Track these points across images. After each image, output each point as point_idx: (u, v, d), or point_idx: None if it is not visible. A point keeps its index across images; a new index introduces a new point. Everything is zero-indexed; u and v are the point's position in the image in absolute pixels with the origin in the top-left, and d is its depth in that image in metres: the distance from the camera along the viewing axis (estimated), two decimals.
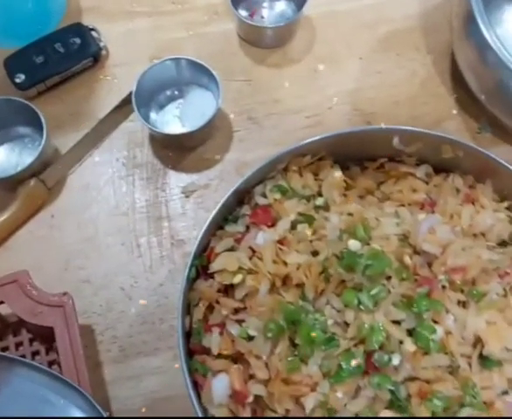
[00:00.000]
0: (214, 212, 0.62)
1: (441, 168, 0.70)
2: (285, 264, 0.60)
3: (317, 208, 0.67)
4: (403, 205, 0.67)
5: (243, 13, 0.85)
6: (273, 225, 0.64)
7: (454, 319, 0.56)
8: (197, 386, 0.58)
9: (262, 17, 0.86)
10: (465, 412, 0.54)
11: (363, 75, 0.83)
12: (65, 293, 0.63)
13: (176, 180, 0.77)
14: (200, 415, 0.54)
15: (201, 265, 0.62)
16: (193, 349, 0.60)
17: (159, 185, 0.76)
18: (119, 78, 0.82)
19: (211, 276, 0.62)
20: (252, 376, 0.57)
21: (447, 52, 0.84)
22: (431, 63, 0.84)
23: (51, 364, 0.65)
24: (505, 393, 0.57)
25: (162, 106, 0.80)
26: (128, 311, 0.70)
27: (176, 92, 0.80)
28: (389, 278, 0.58)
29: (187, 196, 0.76)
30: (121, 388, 0.67)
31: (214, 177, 0.77)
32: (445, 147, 0.66)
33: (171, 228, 0.74)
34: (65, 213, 0.75)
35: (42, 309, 0.62)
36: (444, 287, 0.57)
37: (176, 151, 0.78)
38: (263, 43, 0.84)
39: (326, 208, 0.67)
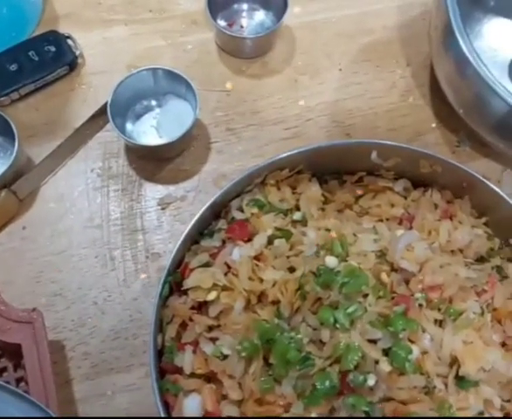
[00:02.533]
0: (189, 226, 0.61)
1: (419, 183, 0.69)
2: (261, 280, 0.59)
3: (295, 222, 0.66)
4: (381, 220, 0.67)
5: (222, 23, 0.84)
6: (249, 240, 0.63)
7: (431, 339, 0.55)
8: (168, 406, 0.56)
9: (241, 27, 0.84)
10: None
11: (342, 86, 0.83)
12: (34, 309, 0.61)
13: (152, 191, 0.75)
14: None
15: (175, 281, 0.61)
16: (165, 368, 0.58)
17: (134, 197, 0.75)
18: (95, 86, 0.81)
19: (185, 292, 0.60)
20: (225, 397, 0.56)
21: (427, 65, 0.84)
22: (410, 75, 0.84)
23: (18, 381, 0.63)
24: (481, 414, 0.56)
25: (138, 117, 0.78)
26: (100, 326, 0.68)
27: (153, 103, 0.79)
28: (366, 295, 0.57)
29: (163, 209, 0.74)
30: (92, 405, 0.65)
31: (191, 189, 0.76)
32: (422, 161, 0.66)
33: (146, 241, 0.73)
34: (38, 225, 0.73)
35: (10, 325, 0.61)
36: (421, 305, 0.57)
37: (153, 162, 0.77)
38: (242, 53, 0.83)
39: (304, 222, 0.66)
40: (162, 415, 0.54)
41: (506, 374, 0.58)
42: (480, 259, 0.67)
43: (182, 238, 0.60)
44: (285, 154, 0.64)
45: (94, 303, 0.70)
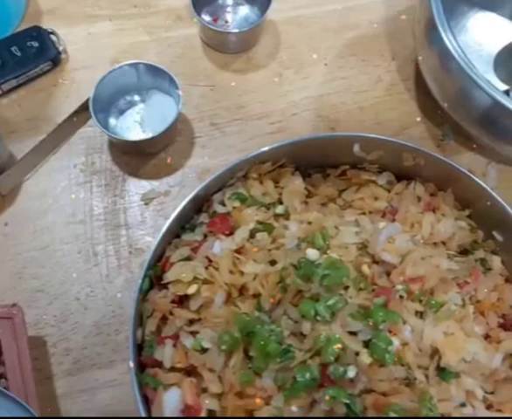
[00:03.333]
0: (170, 220, 0.61)
1: (403, 176, 0.69)
2: (241, 273, 0.59)
3: (277, 216, 0.66)
4: (364, 213, 0.66)
5: (206, 18, 0.83)
6: (231, 234, 0.63)
7: (411, 330, 0.55)
8: (148, 400, 0.56)
9: (226, 22, 0.84)
10: None
11: (327, 81, 0.83)
12: (14, 305, 0.61)
13: (136, 187, 0.75)
14: None
15: (155, 276, 0.60)
16: (145, 362, 0.58)
17: (118, 192, 0.74)
18: (78, 82, 0.80)
19: (166, 286, 0.60)
20: (205, 390, 0.56)
21: (412, 59, 0.84)
22: (395, 69, 0.84)
23: None
24: (463, 405, 0.56)
25: (122, 112, 0.78)
26: (82, 321, 0.68)
27: (137, 98, 0.78)
28: (346, 287, 0.56)
29: (146, 204, 0.74)
30: (74, 401, 0.65)
31: (175, 184, 0.75)
32: (405, 154, 0.66)
33: (129, 236, 0.72)
34: (20, 221, 0.73)
35: None
36: (401, 297, 0.56)
37: (136, 157, 0.76)
38: (227, 48, 0.83)
39: (286, 216, 0.66)
40: (141, 409, 0.53)
41: (488, 365, 0.58)
42: (464, 252, 0.67)
43: (162, 232, 0.60)
44: (267, 148, 0.64)
45: (77, 298, 0.69)
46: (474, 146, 0.79)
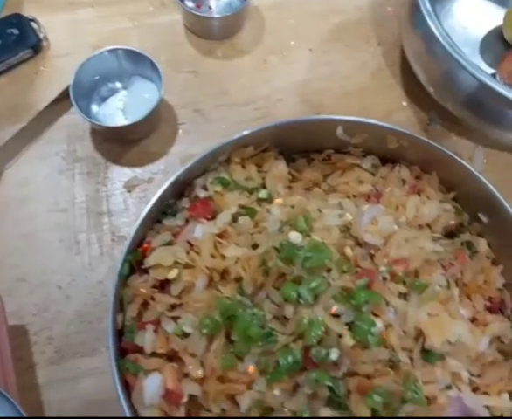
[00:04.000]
0: (150, 204, 0.60)
1: (388, 159, 0.68)
2: (223, 257, 0.58)
3: (260, 200, 0.65)
4: (348, 197, 0.66)
5: (189, 4, 0.82)
6: (213, 218, 0.62)
7: (395, 312, 0.54)
8: (128, 386, 0.55)
9: (209, 8, 0.83)
10: (406, 408, 0.52)
11: (313, 66, 0.82)
12: None
13: (118, 174, 0.74)
14: (129, 416, 0.52)
15: (136, 261, 0.59)
16: (125, 348, 0.57)
17: (100, 180, 0.74)
18: (60, 69, 0.79)
19: (147, 272, 0.59)
20: (186, 375, 0.55)
21: (397, 44, 0.83)
22: (381, 54, 0.83)
23: None
24: (448, 387, 0.55)
25: (104, 99, 0.77)
26: (65, 310, 0.67)
27: (119, 85, 0.77)
28: (329, 270, 0.55)
29: (129, 191, 0.73)
30: (56, 390, 0.63)
31: (158, 171, 0.74)
32: (389, 137, 0.65)
33: (112, 224, 0.71)
34: (1, 209, 0.71)
35: None
36: (385, 279, 0.55)
37: (119, 144, 0.75)
38: (210, 34, 0.82)
39: (270, 200, 0.65)
40: (121, 395, 0.52)
41: (474, 347, 0.57)
42: (450, 235, 0.66)
43: (142, 216, 0.59)
44: (248, 131, 0.63)
45: (59, 287, 0.68)
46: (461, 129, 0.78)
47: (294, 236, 0.57)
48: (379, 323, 0.53)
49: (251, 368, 0.53)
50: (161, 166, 0.75)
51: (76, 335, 0.66)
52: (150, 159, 0.75)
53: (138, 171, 0.74)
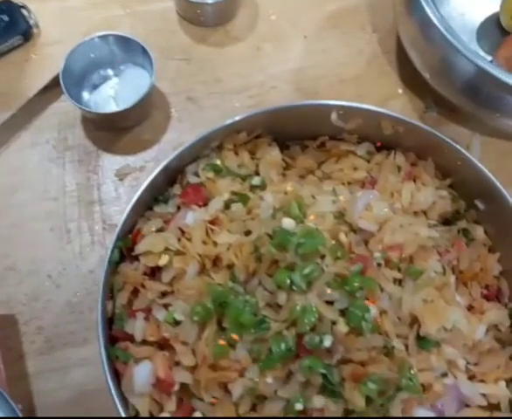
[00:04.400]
0: (141, 190, 0.59)
1: (383, 146, 0.67)
2: (215, 244, 0.57)
3: (253, 187, 0.64)
4: (343, 184, 0.65)
5: None
6: (205, 205, 0.61)
7: (389, 298, 0.53)
8: (118, 375, 0.54)
9: None
10: (401, 395, 0.52)
11: (307, 54, 0.81)
12: None
13: (110, 162, 0.73)
14: (119, 405, 0.51)
15: (126, 248, 0.58)
16: (116, 336, 0.56)
17: (91, 168, 0.72)
18: (51, 57, 0.78)
19: (137, 259, 0.58)
20: (178, 364, 0.54)
21: (393, 31, 0.82)
22: (377, 42, 0.82)
23: None
24: (444, 375, 0.54)
25: (95, 87, 0.76)
26: (55, 299, 0.66)
27: (111, 72, 0.76)
28: (323, 257, 0.54)
29: (121, 179, 0.72)
30: (46, 381, 0.62)
31: (150, 159, 0.73)
32: (384, 122, 0.64)
33: (103, 212, 0.70)
34: None
35: None
36: (379, 265, 0.54)
37: (111, 132, 0.74)
38: (203, 21, 0.80)
39: (263, 188, 0.64)
40: (110, 383, 0.51)
41: (470, 335, 0.56)
42: (446, 222, 0.65)
43: (133, 202, 0.58)
44: (241, 117, 0.62)
45: (49, 276, 0.67)
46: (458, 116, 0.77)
47: (288, 223, 0.56)
48: (373, 309, 0.52)
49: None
50: (153, 154, 0.74)
51: (66, 325, 0.65)
52: (142, 147, 0.74)
53: (130, 159, 0.73)
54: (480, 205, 0.63)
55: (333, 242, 0.56)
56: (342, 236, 0.56)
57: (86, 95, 0.75)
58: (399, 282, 0.55)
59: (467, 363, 0.57)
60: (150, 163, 0.73)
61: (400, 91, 0.79)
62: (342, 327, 0.51)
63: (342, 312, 0.52)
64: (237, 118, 0.62)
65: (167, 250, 0.57)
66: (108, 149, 0.74)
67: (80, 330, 0.65)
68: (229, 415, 0.52)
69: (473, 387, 0.54)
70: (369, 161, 0.67)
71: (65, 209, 0.70)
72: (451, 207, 0.64)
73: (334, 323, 0.51)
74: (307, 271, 0.53)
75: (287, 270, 0.53)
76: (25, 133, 0.74)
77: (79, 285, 0.67)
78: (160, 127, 0.75)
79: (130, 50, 0.74)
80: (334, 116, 0.64)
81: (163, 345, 0.55)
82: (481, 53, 0.79)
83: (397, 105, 0.78)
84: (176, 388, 0.53)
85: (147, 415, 0.53)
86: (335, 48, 0.81)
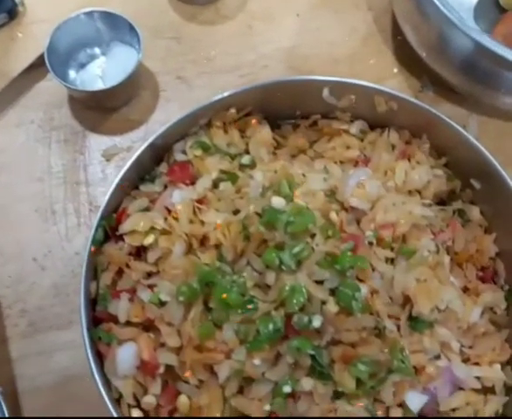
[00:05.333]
0: (125, 168, 0.57)
1: (377, 125, 0.65)
2: (202, 223, 0.55)
3: (243, 166, 0.62)
4: (335, 163, 0.63)
5: None
6: (192, 184, 0.59)
7: (381, 277, 0.51)
8: (102, 357, 0.53)
9: None
10: (393, 378, 0.50)
11: (300, 32, 0.79)
12: None
13: (97, 143, 0.71)
14: (101, 387, 0.49)
15: (111, 227, 0.56)
16: (99, 317, 0.54)
17: (78, 148, 0.71)
18: (37, 36, 0.76)
19: (123, 239, 0.56)
20: (163, 345, 0.52)
21: (388, 9, 0.80)
22: (371, 20, 0.80)
23: None
24: (437, 357, 0.53)
25: (82, 65, 0.74)
26: (40, 282, 0.64)
27: (98, 50, 0.74)
28: (313, 236, 0.53)
29: (108, 160, 0.70)
30: (30, 364, 0.61)
31: (138, 139, 0.71)
32: (378, 99, 0.62)
33: (90, 194, 0.69)
34: None
35: None
36: (371, 244, 0.53)
37: (98, 112, 0.72)
38: None
39: (252, 167, 0.62)
40: (93, 365, 0.50)
41: (465, 317, 0.55)
42: (442, 203, 0.63)
43: (117, 180, 0.56)
44: (230, 92, 0.60)
45: (34, 259, 0.65)
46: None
47: (277, 201, 0.54)
48: (364, 289, 0.50)
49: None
50: (141, 134, 0.72)
51: (51, 308, 0.63)
52: (130, 127, 0.72)
53: (117, 139, 0.71)
54: (477, 185, 0.62)
55: (323, 220, 0.54)
56: (333, 215, 0.54)
57: (72, 74, 0.73)
58: (391, 261, 0.53)
59: (462, 346, 0.55)
60: (138, 143, 0.71)
61: (395, 70, 0.77)
62: (332, 307, 0.49)
63: (333, 292, 0.50)
64: (226, 94, 0.60)
65: (152, 229, 0.55)
66: (95, 129, 0.72)
67: (65, 313, 0.63)
68: (215, 398, 0.50)
69: (467, 369, 0.53)
70: (362, 140, 0.65)
71: (51, 191, 0.69)
72: (446, 186, 0.63)
73: (324, 303, 0.50)
74: (296, 250, 0.51)
75: (276, 249, 0.52)
76: (11, 113, 0.72)
77: (65, 268, 0.65)
78: (148, 107, 0.73)
79: (117, 27, 0.71)
80: (326, 93, 0.62)
81: (148, 326, 0.53)
82: None
83: (392, 84, 0.76)
84: (161, 370, 0.51)
85: (130, 397, 0.51)
86: (329, 26, 0.79)
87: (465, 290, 0.59)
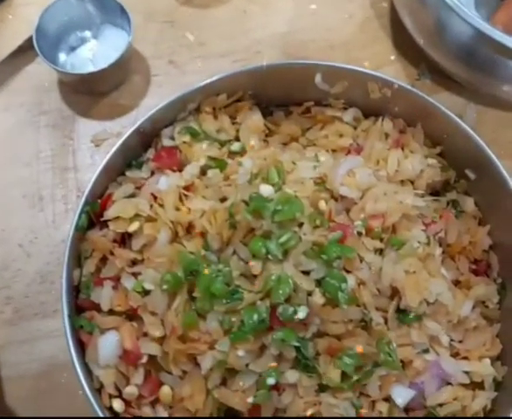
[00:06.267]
0: (111, 153, 0.56)
1: (371, 113, 0.64)
2: (189, 211, 0.54)
3: (232, 154, 0.61)
4: (327, 151, 0.61)
5: None
6: (180, 170, 0.58)
7: (369, 268, 0.50)
8: (84, 346, 0.52)
9: None
10: (379, 372, 0.49)
11: (296, 17, 0.77)
12: None
13: (86, 128, 0.70)
14: (81, 377, 0.48)
15: (94, 213, 0.55)
16: (82, 305, 0.53)
17: (67, 133, 0.70)
18: (27, 18, 0.74)
19: (107, 225, 0.55)
20: (146, 335, 0.51)
21: None
22: (369, 5, 0.78)
23: None
24: (426, 351, 0.51)
25: (73, 49, 0.73)
26: (25, 269, 0.63)
27: (88, 33, 0.73)
28: (301, 225, 0.51)
29: (97, 145, 0.69)
30: (14, 352, 0.60)
31: (128, 125, 0.70)
32: (371, 84, 0.61)
33: (78, 179, 0.68)
34: None
35: None
36: (360, 234, 0.51)
37: (88, 96, 0.71)
38: None
39: (242, 154, 0.61)
40: (73, 353, 0.49)
41: (455, 310, 0.53)
42: (436, 194, 0.62)
43: (102, 165, 0.55)
44: (219, 76, 0.59)
45: (19, 245, 0.64)
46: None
47: (265, 189, 0.53)
48: (351, 280, 0.49)
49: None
50: (131, 119, 0.71)
51: (37, 295, 0.63)
52: (120, 112, 0.71)
53: (107, 124, 0.70)
54: (471, 175, 0.60)
55: (312, 209, 0.52)
56: (322, 204, 0.53)
57: (62, 57, 0.72)
58: (380, 252, 0.52)
59: (452, 340, 0.54)
60: (128, 129, 0.69)
61: (393, 57, 0.76)
62: (318, 298, 0.48)
63: (319, 283, 0.49)
64: (215, 78, 0.59)
65: (137, 216, 0.54)
66: (85, 114, 0.71)
67: (51, 301, 0.62)
68: (198, 389, 0.49)
69: (455, 364, 0.52)
70: (355, 128, 0.63)
71: (39, 176, 0.68)
72: (440, 176, 0.61)
73: (310, 294, 0.49)
74: (283, 239, 0.50)
75: (262, 238, 0.50)
76: None
77: (51, 255, 0.64)
78: (139, 91, 0.72)
79: (108, 9, 0.70)
80: (318, 78, 0.61)
81: (132, 315, 0.52)
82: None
83: (389, 71, 0.75)
84: (144, 360, 0.50)
85: (112, 387, 0.50)
86: (325, 11, 0.78)
87: (457, 282, 0.58)
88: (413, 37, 0.73)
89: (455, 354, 0.53)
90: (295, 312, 0.48)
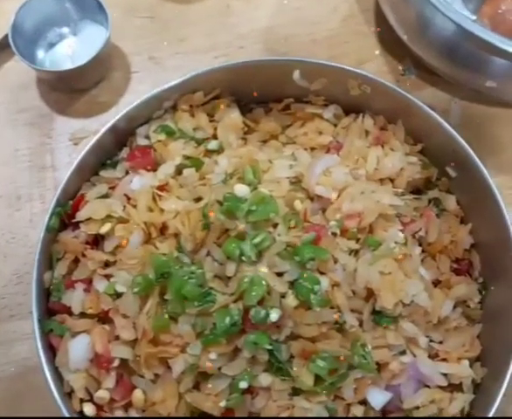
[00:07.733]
0: (84, 152, 0.55)
1: (352, 110, 0.63)
2: (162, 211, 0.53)
3: (210, 152, 0.59)
4: (306, 149, 0.60)
5: None
6: (154, 170, 0.57)
7: (343, 270, 0.49)
8: (54, 349, 0.51)
9: None
10: (354, 374, 0.48)
11: (279, 12, 0.76)
12: None
13: (65, 125, 0.69)
14: (50, 381, 0.47)
15: (66, 214, 0.55)
16: (53, 308, 0.53)
17: (45, 131, 0.69)
18: (5, 14, 0.72)
19: (79, 227, 0.54)
20: (118, 338, 0.50)
21: None
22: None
23: None
24: (403, 353, 0.50)
25: (51, 45, 0.72)
26: (1, 269, 0.63)
27: (67, 30, 0.72)
28: (276, 225, 0.50)
29: (75, 144, 0.68)
30: None
31: (107, 123, 0.69)
32: (351, 81, 0.59)
33: (56, 179, 0.67)
34: None
35: None
36: (334, 234, 0.50)
37: (66, 94, 0.70)
38: None
39: (220, 152, 0.59)
40: (42, 358, 0.48)
41: (435, 311, 0.53)
42: (417, 192, 0.61)
43: (75, 164, 0.54)
44: (196, 73, 0.58)
45: None
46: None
47: (240, 189, 0.52)
48: (324, 281, 0.48)
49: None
50: (110, 117, 0.68)
51: (13, 296, 0.62)
52: (99, 110, 0.70)
53: (86, 122, 0.69)
54: (452, 172, 0.59)
55: (287, 209, 0.51)
56: (298, 204, 0.52)
57: (41, 54, 0.71)
58: (356, 253, 0.51)
59: (431, 341, 0.53)
60: None
61: (377, 52, 0.75)
62: (291, 301, 0.47)
63: (293, 285, 0.48)
64: (192, 73, 0.58)
65: (110, 217, 0.53)
66: (64, 112, 0.70)
67: (27, 302, 0.60)
68: (170, 393, 0.49)
69: (433, 366, 0.51)
70: (335, 125, 0.62)
71: (16, 175, 0.67)
72: (421, 174, 0.60)
73: (283, 296, 0.48)
74: (257, 240, 0.49)
75: (236, 239, 0.49)
76: None
77: (28, 255, 0.63)
78: (119, 88, 0.71)
79: (86, 5, 0.69)
80: (296, 75, 0.60)
81: (104, 318, 0.52)
82: (466, 12, 0.74)
83: (373, 67, 0.73)
84: (116, 363, 0.50)
85: (82, 391, 0.49)
86: (308, 5, 0.76)
87: (437, 282, 0.57)
88: (397, 31, 0.71)
89: (435, 356, 0.53)
90: (268, 315, 0.47)
